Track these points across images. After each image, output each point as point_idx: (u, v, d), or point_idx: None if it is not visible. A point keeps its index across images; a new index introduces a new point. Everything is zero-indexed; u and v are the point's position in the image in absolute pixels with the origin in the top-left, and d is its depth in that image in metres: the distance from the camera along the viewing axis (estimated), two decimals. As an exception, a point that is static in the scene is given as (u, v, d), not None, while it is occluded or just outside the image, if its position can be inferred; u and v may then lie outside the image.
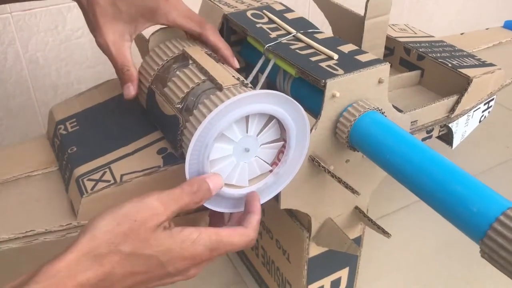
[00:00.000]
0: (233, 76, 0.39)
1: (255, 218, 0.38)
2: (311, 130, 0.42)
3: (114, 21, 0.41)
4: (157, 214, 0.33)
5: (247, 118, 0.37)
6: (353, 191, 0.41)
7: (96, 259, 0.32)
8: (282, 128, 0.39)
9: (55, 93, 0.77)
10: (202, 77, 0.40)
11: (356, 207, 0.50)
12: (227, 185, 0.39)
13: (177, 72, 0.42)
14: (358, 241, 0.54)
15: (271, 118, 0.38)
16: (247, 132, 0.38)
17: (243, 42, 0.54)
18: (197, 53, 0.43)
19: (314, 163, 0.43)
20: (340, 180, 0.42)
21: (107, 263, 0.32)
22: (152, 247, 0.33)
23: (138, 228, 0.33)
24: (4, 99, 0.73)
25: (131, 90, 0.43)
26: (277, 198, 0.43)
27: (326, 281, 0.55)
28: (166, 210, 0.34)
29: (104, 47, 0.42)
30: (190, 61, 0.42)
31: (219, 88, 0.37)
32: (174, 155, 0.42)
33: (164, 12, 0.43)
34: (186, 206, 0.35)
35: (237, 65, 0.45)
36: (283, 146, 0.40)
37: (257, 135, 0.38)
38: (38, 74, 0.74)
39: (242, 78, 0.40)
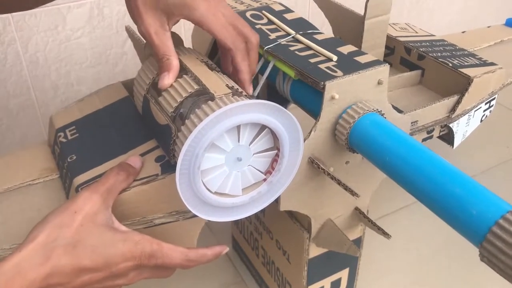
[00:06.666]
0: (226, 85, 0.39)
1: (205, 251, 0.40)
2: (310, 132, 0.42)
3: (154, 10, 0.40)
4: (91, 200, 0.37)
5: (238, 127, 0.37)
6: (353, 193, 0.41)
7: (43, 254, 0.34)
8: (275, 136, 0.39)
9: (55, 93, 0.77)
10: (196, 86, 0.39)
11: (356, 208, 0.50)
12: (220, 194, 0.39)
13: None
14: (358, 242, 0.54)
15: (263, 127, 0.38)
16: (239, 142, 0.37)
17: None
18: (191, 61, 0.42)
19: (314, 165, 0.43)
20: (339, 182, 0.42)
21: (54, 256, 0.34)
22: (95, 236, 0.35)
23: (79, 218, 0.35)
24: (4, 99, 0.73)
25: (165, 80, 0.41)
26: (277, 199, 0.43)
27: (326, 282, 0.55)
28: (97, 193, 0.37)
29: (146, 36, 0.41)
30: (185, 70, 0.42)
31: (211, 97, 0.37)
32: None
33: (203, 15, 0.41)
34: (114, 184, 0.38)
35: (251, 92, 0.43)
36: (277, 155, 0.40)
37: (250, 144, 0.38)
38: (38, 74, 0.74)
39: (236, 86, 0.39)
